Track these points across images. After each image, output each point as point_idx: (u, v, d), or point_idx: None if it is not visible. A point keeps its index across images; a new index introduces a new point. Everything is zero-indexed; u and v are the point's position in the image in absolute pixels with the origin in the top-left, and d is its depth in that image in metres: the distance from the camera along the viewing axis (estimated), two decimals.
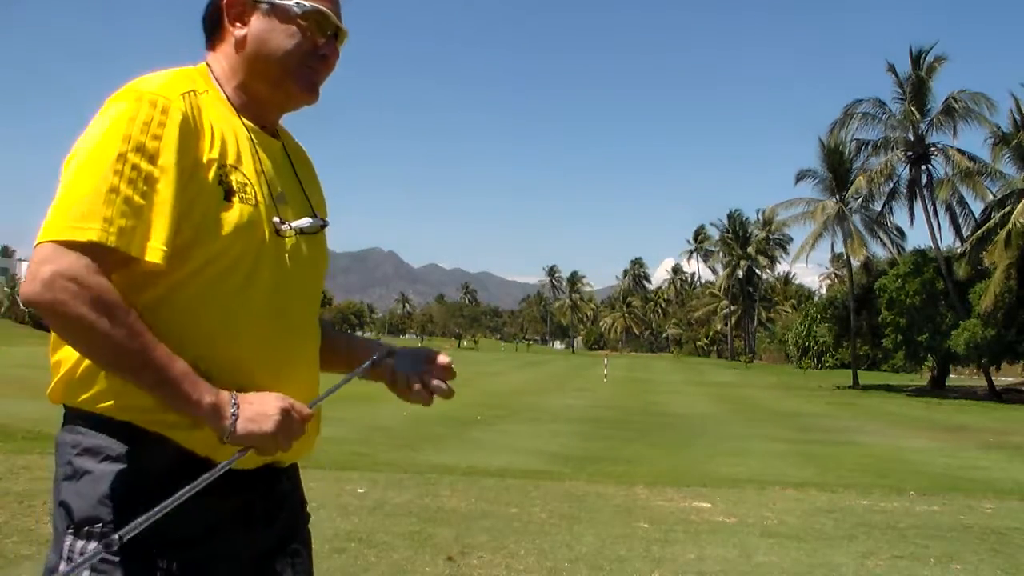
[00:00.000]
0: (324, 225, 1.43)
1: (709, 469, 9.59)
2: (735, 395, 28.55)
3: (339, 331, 1.63)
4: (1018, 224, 26.89)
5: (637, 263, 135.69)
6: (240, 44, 1.34)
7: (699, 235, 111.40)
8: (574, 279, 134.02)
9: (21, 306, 59.21)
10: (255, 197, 1.29)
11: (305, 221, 1.37)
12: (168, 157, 1.19)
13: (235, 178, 1.27)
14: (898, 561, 4.71)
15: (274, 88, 1.35)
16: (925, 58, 32.65)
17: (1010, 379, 36.61)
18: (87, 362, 1.22)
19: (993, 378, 32.07)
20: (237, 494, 1.28)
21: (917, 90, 32.17)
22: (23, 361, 24.51)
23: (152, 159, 1.18)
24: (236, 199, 1.26)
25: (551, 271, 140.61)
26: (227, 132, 1.29)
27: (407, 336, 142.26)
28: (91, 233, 1.12)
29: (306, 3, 1.33)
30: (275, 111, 1.41)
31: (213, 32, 1.37)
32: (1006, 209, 28.44)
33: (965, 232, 31.90)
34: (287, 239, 1.33)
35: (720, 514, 5.91)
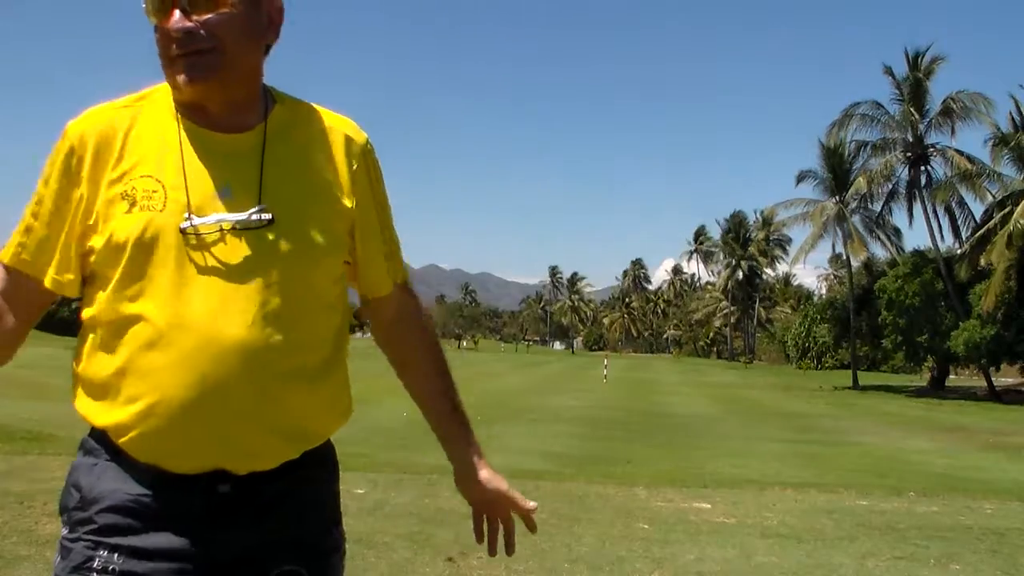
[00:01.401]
0: (267, 221, 1.26)
1: (709, 469, 9.59)
2: (735, 395, 28.56)
3: (448, 390, 1.55)
4: (1018, 225, 26.90)
5: (637, 263, 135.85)
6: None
7: (699, 235, 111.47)
8: (574, 280, 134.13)
9: None
10: (163, 202, 1.24)
11: (212, 217, 1.24)
12: (54, 180, 1.29)
13: (143, 186, 1.25)
14: (898, 562, 4.71)
15: (175, 91, 1.29)
16: (922, 59, 32.70)
17: (1010, 379, 36.58)
18: (77, 373, 1.32)
19: (993, 378, 32.08)
20: (173, 493, 1.24)
21: (915, 91, 32.21)
22: (24, 362, 24.40)
23: (47, 182, 1.30)
24: (137, 208, 1.24)
25: (553, 272, 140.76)
26: (153, 140, 1.28)
27: None
28: (4, 256, 1.32)
29: (144, 3, 1.28)
30: (210, 107, 1.30)
31: None
32: (1006, 210, 28.46)
33: (964, 233, 31.94)
34: (210, 240, 1.24)
35: (720, 515, 5.91)
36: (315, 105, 1.41)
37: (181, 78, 1.25)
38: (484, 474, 1.54)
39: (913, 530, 5.57)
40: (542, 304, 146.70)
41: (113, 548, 1.22)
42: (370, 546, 4.40)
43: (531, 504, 1.54)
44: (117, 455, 1.26)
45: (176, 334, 1.21)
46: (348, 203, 1.35)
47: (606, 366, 36.44)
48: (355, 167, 1.38)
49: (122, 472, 1.26)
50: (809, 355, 53.55)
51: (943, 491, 7.71)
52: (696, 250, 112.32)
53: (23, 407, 11.16)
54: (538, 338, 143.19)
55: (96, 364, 1.27)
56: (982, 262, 29.39)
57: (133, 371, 1.23)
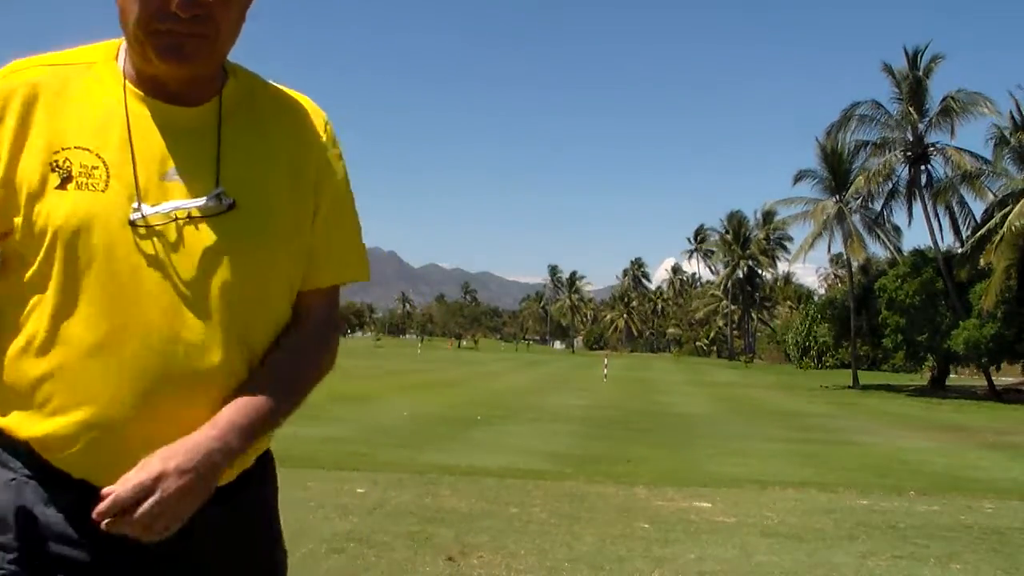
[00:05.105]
0: (227, 206, 1.11)
1: (709, 469, 9.59)
2: (735, 395, 28.56)
3: (265, 413, 1.13)
4: (1016, 225, 26.88)
5: (637, 263, 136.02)
6: (119, 15, 1.13)
7: (699, 235, 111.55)
8: (574, 279, 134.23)
9: None
10: (104, 182, 1.08)
11: (166, 206, 1.08)
12: None
13: (79, 160, 1.08)
14: (898, 561, 4.71)
15: (142, 59, 1.11)
16: (922, 57, 32.66)
17: (1010, 379, 36.60)
18: None
19: (993, 378, 32.08)
20: (63, 496, 1.09)
21: (914, 90, 32.18)
22: None
23: None
24: (72, 186, 1.07)
25: (553, 271, 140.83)
26: (91, 107, 1.12)
27: (407, 336, 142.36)
28: None
29: None
30: (168, 82, 1.13)
31: None
32: (1006, 209, 28.44)
33: (964, 233, 31.91)
34: (162, 231, 1.09)
35: (720, 514, 5.91)
36: (269, 80, 1.26)
37: (163, 50, 1.08)
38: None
39: (913, 529, 5.58)
40: (542, 303, 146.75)
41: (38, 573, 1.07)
42: (370, 546, 4.40)
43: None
44: (38, 470, 1.09)
45: (121, 338, 1.07)
46: (311, 183, 1.21)
47: (606, 365, 36.44)
48: (317, 145, 1.24)
49: (43, 491, 1.09)
50: (809, 354, 53.55)
51: (943, 490, 7.71)
52: (696, 249, 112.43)
53: None
54: (538, 337, 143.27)
55: (22, 367, 1.09)
56: (982, 261, 29.38)
57: (69, 378, 1.07)
